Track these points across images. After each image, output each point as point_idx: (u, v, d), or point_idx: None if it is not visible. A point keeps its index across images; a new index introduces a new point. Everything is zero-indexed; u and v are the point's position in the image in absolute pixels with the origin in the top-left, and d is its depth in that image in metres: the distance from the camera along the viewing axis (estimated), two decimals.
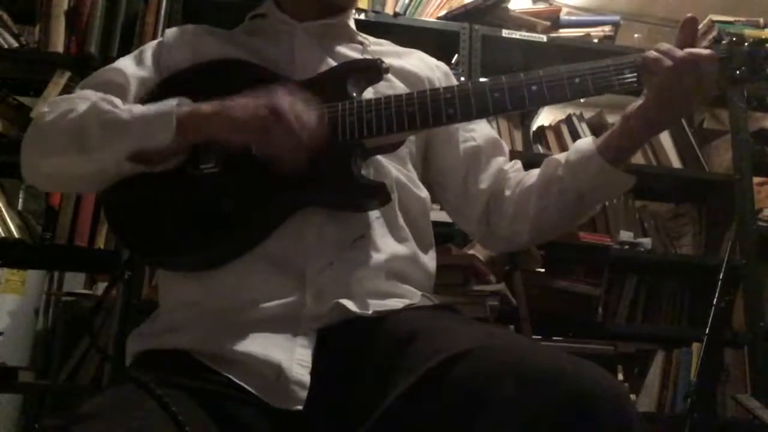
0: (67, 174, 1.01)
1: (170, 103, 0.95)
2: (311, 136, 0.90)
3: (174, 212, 0.98)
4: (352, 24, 1.21)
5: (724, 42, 0.97)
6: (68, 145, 0.98)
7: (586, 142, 1.04)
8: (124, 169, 0.97)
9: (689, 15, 0.97)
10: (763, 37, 0.95)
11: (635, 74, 0.96)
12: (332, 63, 1.09)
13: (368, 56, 1.13)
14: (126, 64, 1.12)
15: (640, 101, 0.98)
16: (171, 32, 1.17)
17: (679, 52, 0.93)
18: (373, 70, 1.03)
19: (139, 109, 0.97)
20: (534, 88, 0.96)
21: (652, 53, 0.94)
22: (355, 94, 1.00)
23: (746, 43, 0.96)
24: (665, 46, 0.94)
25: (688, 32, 0.96)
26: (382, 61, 1.03)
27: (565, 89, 0.95)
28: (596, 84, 0.95)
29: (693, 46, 0.95)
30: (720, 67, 0.94)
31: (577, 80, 0.95)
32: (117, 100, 1.00)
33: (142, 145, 0.94)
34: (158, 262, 1.05)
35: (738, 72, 0.95)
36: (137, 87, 1.07)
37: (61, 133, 0.99)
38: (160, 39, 1.16)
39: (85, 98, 1.01)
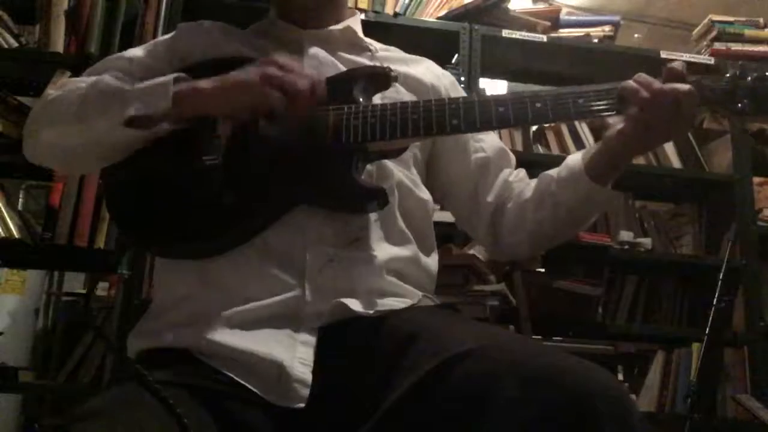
0: (66, 144, 1.02)
1: (169, 76, 0.97)
2: (312, 80, 0.93)
3: (174, 201, 0.99)
4: (359, 31, 1.21)
5: (727, 75, 0.96)
6: (70, 116, 0.99)
7: (576, 159, 1.06)
8: (120, 136, 0.97)
9: (671, 66, 0.95)
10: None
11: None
12: (341, 68, 1.09)
13: (377, 63, 1.14)
14: (135, 53, 1.14)
15: (620, 125, 0.98)
16: (185, 25, 1.18)
17: (657, 85, 0.93)
18: (382, 78, 1.03)
19: (141, 83, 0.99)
20: (538, 105, 0.96)
21: (631, 84, 0.94)
22: (362, 100, 1.01)
23: (749, 77, 0.95)
24: (644, 77, 0.94)
25: (673, 77, 0.95)
26: (391, 69, 1.03)
27: (569, 109, 0.96)
28: (599, 106, 0.96)
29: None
30: (723, 100, 0.94)
31: (581, 101, 0.96)
32: (122, 75, 1.02)
33: (138, 111, 0.95)
34: (156, 249, 1.05)
35: (740, 105, 0.95)
36: (144, 74, 1.07)
37: (63, 104, 1.00)
38: (172, 33, 1.17)
39: (89, 79, 1.03)
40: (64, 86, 1.04)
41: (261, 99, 0.94)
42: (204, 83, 0.96)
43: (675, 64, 0.95)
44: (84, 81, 1.04)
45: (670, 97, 0.92)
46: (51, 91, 1.04)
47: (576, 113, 0.96)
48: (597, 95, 0.96)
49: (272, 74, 0.93)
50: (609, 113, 0.96)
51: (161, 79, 0.97)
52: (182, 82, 0.97)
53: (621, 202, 1.05)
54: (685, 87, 0.92)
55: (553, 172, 1.09)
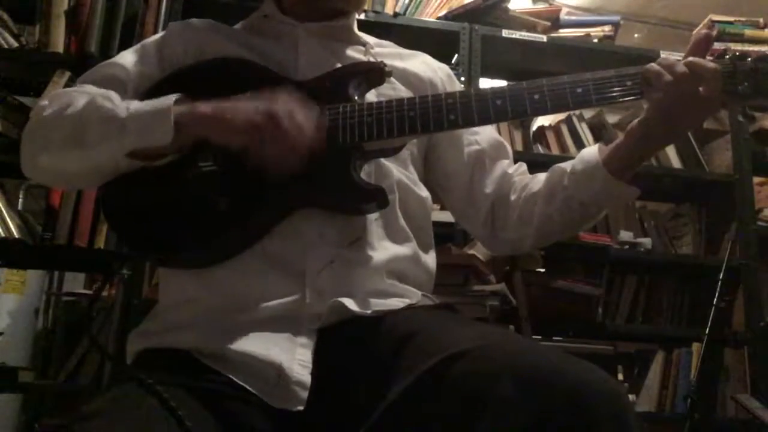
0: (65, 169, 1.01)
1: (167, 101, 0.94)
2: (308, 143, 0.91)
3: (172, 209, 0.98)
4: (354, 26, 1.20)
5: (727, 56, 0.95)
6: (66, 140, 0.98)
7: (592, 152, 1.03)
8: (122, 164, 0.97)
9: (705, 31, 0.94)
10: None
11: (638, 87, 0.94)
12: (335, 64, 1.08)
13: (371, 58, 1.13)
14: (126, 58, 1.11)
15: (643, 115, 0.97)
16: (174, 26, 1.16)
17: (681, 67, 0.91)
18: (376, 73, 1.02)
19: (136, 106, 0.96)
20: (536, 96, 0.95)
21: (654, 67, 0.92)
22: (356, 97, 1.00)
23: (749, 59, 0.94)
24: (668, 59, 0.92)
25: (701, 49, 0.94)
26: (385, 64, 1.02)
27: (567, 99, 0.95)
28: (598, 95, 0.94)
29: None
30: (722, 82, 0.93)
31: (579, 90, 0.94)
32: (115, 96, 1.00)
33: (140, 144, 0.94)
34: (156, 258, 1.05)
35: (740, 87, 0.93)
36: (137, 81, 1.07)
37: (59, 127, 0.99)
38: (162, 32, 1.16)
39: (84, 93, 1.01)
40: (59, 99, 1.02)
41: (258, 145, 0.91)
42: (204, 108, 0.94)
43: (704, 31, 0.94)
44: (79, 94, 1.01)
45: (694, 78, 0.90)
46: (45, 103, 1.02)
47: (575, 103, 0.95)
48: (596, 84, 0.94)
49: (276, 126, 0.90)
50: (607, 102, 0.95)
51: (159, 104, 0.94)
52: (180, 105, 0.94)
53: (638, 195, 1.03)
54: (709, 65, 0.91)
55: (565, 165, 1.07)
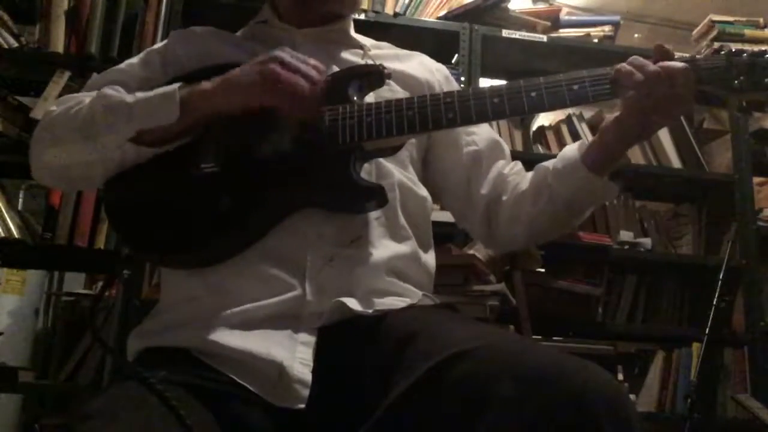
0: (73, 163, 1.02)
1: (173, 86, 0.97)
2: (315, 70, 0.95)
3: (173, 210, 0.99)
4: (351, 29, 1.21)
5: (723, 51, 0.96)
6: (75, 134, 0.99)
7: (572, 150, 1.06)
8: (127, 151, 0.98)
9: (658, 44, 0.96)
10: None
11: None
12: (334, 68, 1.09)
13: (369, 61, 1.14)
14: (130, 64, 1.14)
15: (616, 113, 0.98)
16: (177, 33, 1.18)
17: (651, 67, 0.93)
18: (375, 76, 1.03)
19: (142, 93, 0.99)
20: (533, 94, 0.96)
21: (625, 67, 0.94)
22: (356, 99, 1.01)
23: (745, 54, 0.95)
24: (638, 60, 0.94)
25: (662, 55, 0.96)
26: (384, 67, 1.03)
27: (564, 96, 0.96)
28: (595, 92, 0.95)
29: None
30: (719, 78, 0.94)
31: (575, 87, 0.95)
32: (122, 89, 1.02)
33: (147, 124, 0.96)
34: (157, 259, 1.05)
35: (737, 81, 0.94)
36: (140, 87, 1.08)
37: (67, 122, 1.00)
38: (165, 41, 1.18)
39: (90, 94, 1.03)
40: (66, 102, 1.04)
41: (264, 99, 0.95)
42: (206, 84, 0.97)
43: (661, 44, 0.96)
44: (86, 96, 1.03)
45: (664, 77, 0.92)
46: (53, 108, 1.05)
47: (572, 100, 0.96)
48: (592, 81, 0.96)
49: (275, 75, 0.93)
50: (604, 98, 0.96)
51: (165, 88, 0.97)
52: (184, 88, 0.97)
53: (617, 193, 1.05)
54: (679, 65, 0.92)
55: (548, 163, 1.09)
